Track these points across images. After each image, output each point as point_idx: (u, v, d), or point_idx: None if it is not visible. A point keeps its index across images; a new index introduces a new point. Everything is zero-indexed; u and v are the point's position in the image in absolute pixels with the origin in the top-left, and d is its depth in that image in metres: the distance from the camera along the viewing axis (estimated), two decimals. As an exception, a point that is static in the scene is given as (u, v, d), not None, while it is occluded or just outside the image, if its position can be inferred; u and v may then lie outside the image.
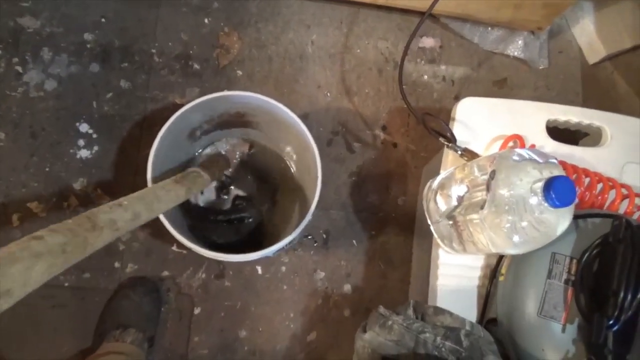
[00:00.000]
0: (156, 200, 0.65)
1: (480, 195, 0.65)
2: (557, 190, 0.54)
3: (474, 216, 0.63)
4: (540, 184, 0.56)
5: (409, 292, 1.00)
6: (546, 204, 0.55)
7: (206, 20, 1.08)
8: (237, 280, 0.97)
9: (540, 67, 1.16)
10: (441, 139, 0.75)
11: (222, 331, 0.96)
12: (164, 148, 0.76)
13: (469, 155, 0.73)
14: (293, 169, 0.96)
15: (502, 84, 1.15)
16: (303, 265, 1.00)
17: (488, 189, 0.61)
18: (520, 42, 1.14)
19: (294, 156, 0.95)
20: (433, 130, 0.75)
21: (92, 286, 0.94)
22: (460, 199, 0.69)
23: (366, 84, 1.10)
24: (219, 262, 0.97)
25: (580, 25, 1.17)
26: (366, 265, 1.02)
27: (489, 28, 1.14)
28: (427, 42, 1.14)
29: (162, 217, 0.71)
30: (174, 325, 0.94)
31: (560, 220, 0.58)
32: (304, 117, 1.06)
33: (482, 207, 0.62)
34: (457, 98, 1.12)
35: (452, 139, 0.73)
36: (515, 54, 1.15)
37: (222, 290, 0.97)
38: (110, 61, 1.03)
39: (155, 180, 0.75)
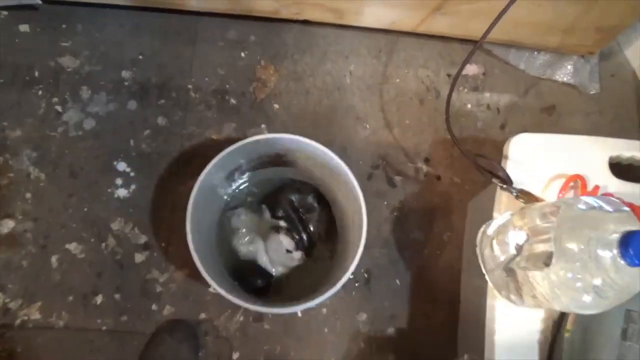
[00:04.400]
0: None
1: (542, 246, 0.59)
2: (635, 247, 0.49)
3: (537, 273, 0.58)
4: (614, 239, 0.51)
5: (458, 335, 0.94)
6: (622, 262, 0.50)
7: (242, 54, 1.06)
8: (277, 323, 0.94)
9: (592, 92, 1.09)
10: (495, 180, 0.70)
11: (262, 376, 0.92)
12: (202, 192, 0.74)
13: (526, 197, 0.68)
14: (334, 212, 0.93)
15: (551, 111, 1.09)
16: (344, 307, 0.96)
17: (553, 242, 0.55)
18: (569, 66, 1.08)
19: (335, 197, 0.91)
20: (486, 170, 0.70)
21: (130, 330, 0.92)
22: (519, 248, 0.64)
23: (407, 114, 1.06)
24: (258, 304, 0.94)
25: (634, 47, 1.10)
26: (410, 306, 0.97)
27: (535, 53, 1.09)
28: (470, 69, 1.10)
29: (196, 261, 0.68)
30: (212, 370, 0.91)
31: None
32: (343, 150, 1.02)
33: (545, 261, 0.57)
34: (503, 127, 1.07)
35: (507, 180, 0.68)
36: (565, 79, 1.09)
37: (261, 334, 0.93)
38: (147, 98, 1.03)
39: (194, 224, 0.72)
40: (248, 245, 0.87)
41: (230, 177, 0.84)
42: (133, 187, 0.99)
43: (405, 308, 0.97)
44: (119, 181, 0.99)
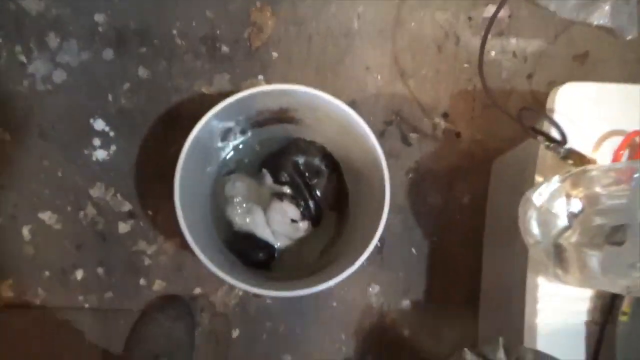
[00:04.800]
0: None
1: (602, 220, 0.49)
2: None
3: (595, 253, 0.49)
4: None
5: (480, 311, 0.85)
6: None
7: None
8: (280, 297, 0.84)
9: (629, 37, 0.97)
10: (540, 139, 0.59)
11: (265, 356, 0.84)
12: (194, 153, 0.62)
13: (576, 158, 0.58)
14: (344, 174, 0.82)
15: (584, 59, 0.97)
16: (355, 278, 0.85)
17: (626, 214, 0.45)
18: (606, 7, 0.95)
19: (347, 157, 0.80)
20: (533, 129, 0.59)
21: (116, 307, 0.82)
22: (572, 218, 0.54)
23: (423, 64, 0.94)
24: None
25: (679, -15, 0.97)
26: (427, 277, 0.88)
27: (567, -8, 0.95)
28: (493, 11, 0.96)
29: (185, 232, 0.58)
30: (209, 350, 0.82)
31: None
32: (351, 105, 0.89)
33: (607, 237, 0.48)
34: (530, 77, 0.95)
35: (559, 139, 0.57)
36: (600, 22, 0.96)
37: (263, 310, 0.84)
38: (125, 46, 0.89)
39: (184, 191, 0.61)
40: (244, 216, 0.76)
41: (226, 136, 0.72)
42: (113, 148, 0.87)
43: (421, 279, 0.88)
44: (96, 142, 0.87)
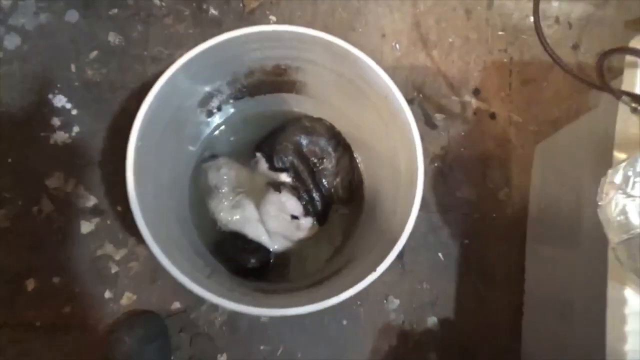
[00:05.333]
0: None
1: None
2: None
3: None
4: None
5: (523, 328, 0.70)
6: None
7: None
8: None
9: (691, 2, 0.82)
10: (625, 99, 0.44)
11: (259, 386, 0.68)
12: (159, 123, 0.47)
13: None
14: (358, 158, 0.66)
15: (638, 24, 0.82)
16: (369, 290, 0.70)
17: None
18: (667, -35, 0.80)
19: (362, 135, 0.64)
20: (623, 92, 0.44)
21: (75, 325, 0.66)
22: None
23: (449, 30, 0.79)
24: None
25: None
26: (458, 287, 0.72)
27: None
28: (533, -30, 0.81)
29: (143, 228, 0.42)
30: (190, 379, 0.66)
31: None
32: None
33: None
34: (577, 47, 0.80)
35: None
36: (659, -18, 0.81)
37: (257, 329, 0.68)
38: (93, 7, 0.74)
39: (146, 178, 0.46)
40: (232, 211, 0.60)
41: (205, 104, 0.57)
42: (76, 129, 0.72)
43: (450, 290, 0.72)
44: (56, 121, 0.71)
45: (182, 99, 0.50)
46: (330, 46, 0.46)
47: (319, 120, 0.63)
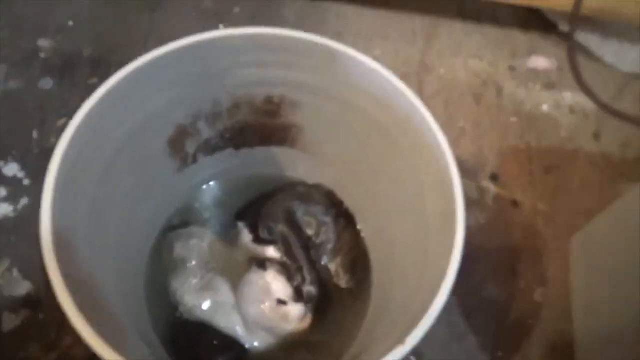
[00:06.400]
0: None
1: None
2: None
3: None
4: None
5: None
6: None
7: (221, 27, 0.74)
8: None
9: None
10: None
11: None
12: (93, 174, 0.36)
13: None
14: (363, 233, 0.53)
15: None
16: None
17: None
18: (676, 60, 0.78)
19: (371, 198, 0.52)
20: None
21: None
22: None
23: (459, 114, 0.73)
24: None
25: None
26: (495, 418, 0.54)
27: (626, 43, 0.79)
28: (539, 62, 0.79)
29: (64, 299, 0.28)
30: None
31: None
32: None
33: None
34: (598, 137, 0.74)
35: None
36: (672, 77, 0.78)
37: None
38: (72, 75, 0.68)
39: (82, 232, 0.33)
40: (200, 294, 0.46)
41: (178, 146, 0.46)
42: (24, 202, 0.60)
43: (486, 422, 0.54)
44: (2, 192, 0.60)
45: (147, 120, 0.39)
46: (336, 56, 0.38)
47: (318, 187, 0.53)
